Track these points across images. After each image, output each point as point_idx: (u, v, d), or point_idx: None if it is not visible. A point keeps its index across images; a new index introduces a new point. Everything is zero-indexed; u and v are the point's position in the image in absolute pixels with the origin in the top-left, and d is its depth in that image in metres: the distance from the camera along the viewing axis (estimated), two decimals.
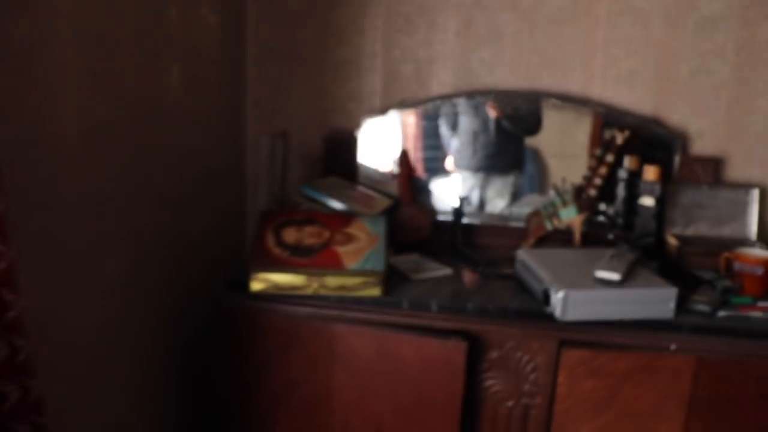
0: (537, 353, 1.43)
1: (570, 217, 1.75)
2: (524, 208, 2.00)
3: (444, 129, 1.97)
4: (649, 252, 1.72)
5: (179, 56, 1.59)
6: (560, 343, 1.41)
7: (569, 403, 1.40)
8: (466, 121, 1.95)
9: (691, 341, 1.38)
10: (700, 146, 1.87)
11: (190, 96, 1.66)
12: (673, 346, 1.37)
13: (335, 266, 1.46)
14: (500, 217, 2.05)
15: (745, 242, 1.76)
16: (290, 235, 1.53)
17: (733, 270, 1.55)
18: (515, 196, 2.07)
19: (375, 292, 1.46)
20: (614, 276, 1.38)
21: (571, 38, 1.85)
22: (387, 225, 1.58)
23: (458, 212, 1.83)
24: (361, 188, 1.88)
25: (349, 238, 1.52)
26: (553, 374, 1.42)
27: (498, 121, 1.92)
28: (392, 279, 1.56)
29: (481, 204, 2.04)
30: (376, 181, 2.00)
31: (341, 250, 1.49)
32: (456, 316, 1.44)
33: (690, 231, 1.79)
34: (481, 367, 1.46)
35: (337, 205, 1.68)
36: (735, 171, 1.87)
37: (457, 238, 1.81)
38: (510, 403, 1.47)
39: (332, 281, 1.45)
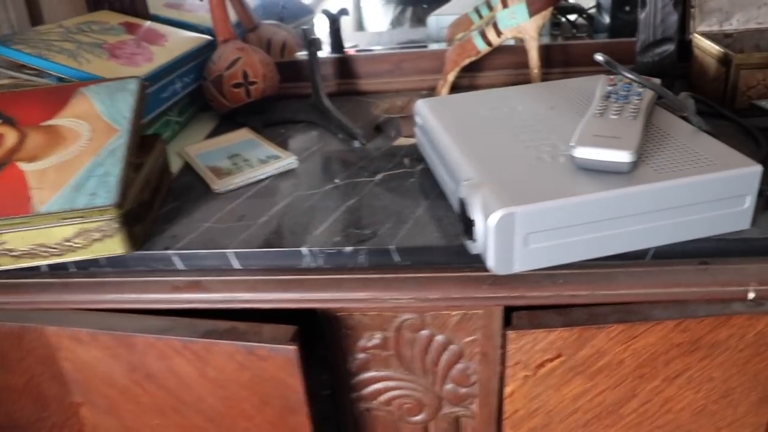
0: (460, 332, 0.67)
1: (516, 23, 0.91)
2: (448, 17, 1.17)
3: None
4: (666, 73, 0.90)
5: None
6: (506, 313, 0.64)
7: (535, 422, 0.65)
8: None
9: None
10: None
11: None
12: (751, 293, 0.60)
13: (17, 209, 0.65)
14: (407, 39, 1.23)
15: None
16: None
17: None
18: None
19: (113, 248, 0.66)
20: (619, 155, 0.57)
21: None
22: (139, 98, 0.74)
23: (315, 42, 0.97)
24: (150, 26, 1.02)
25: (55, 139, 0.70)
26: (497, 372, 0.66)
27: None
28: (182, 196, 0.77)
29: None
30: (187, 10, 1.14)
31: (31, 169, 0.68)
32: (281, 280, 0.65)
33: (732, 26, 0.96)
34: (351, 364, 0.70)
35: (57, 68, 0.82)
36: None
37: (318, 87, 0.97)
38: (421, 417, 0.72)
39: (19, 240, 0.65)
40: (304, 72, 1.05)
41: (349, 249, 0.63)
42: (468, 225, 0.58)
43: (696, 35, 0.93)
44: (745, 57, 0.82)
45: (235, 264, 0.65)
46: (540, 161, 0.61)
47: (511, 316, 0.61)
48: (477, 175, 0.59)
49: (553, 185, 0.56)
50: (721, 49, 0.85)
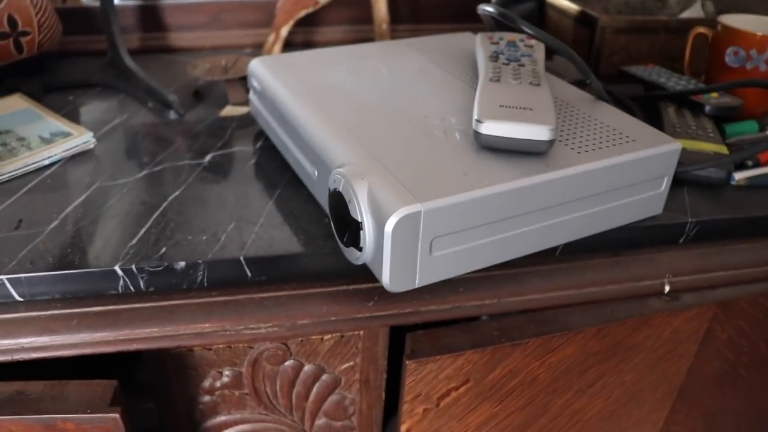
0: (334, 358, 0.51)
1: None
2: None
3: None
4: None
5: None
6: (391, 334, 0.49)
7: None
8: None
9: (695, 262, 0.52)
10: None
11: None
12: (666, 286, 0.51)
13: None
14: None
15: None
16: None
17: (719, 64, 0.68)
18: None
19: None
20: (537, 131, 0.43)
21: None
22: None
23: None
24: None
25: None
26: (381, 399, 0.52)
27: None
28: None
29: None
30: None
31: None
32: (86, 314, 0.45)
33: None
34: (195, 411, 0.52)
35: None
36: None
37: (116, 42, 0.74)
38: None
39: None
40: (95, 22, 0.80)
41: (181, 264, 0.44)
42: (347, 227, 0.42)
43: None
44: (611, 20, 0.74)
45: (16, 295, 0.44)
46: (431, 138, 0.46)
47: (404, 338, 0.47)
48: (355, 158, 0.43)
49: (461, 172, 0.42)
50: (586, 11, 0.76)
